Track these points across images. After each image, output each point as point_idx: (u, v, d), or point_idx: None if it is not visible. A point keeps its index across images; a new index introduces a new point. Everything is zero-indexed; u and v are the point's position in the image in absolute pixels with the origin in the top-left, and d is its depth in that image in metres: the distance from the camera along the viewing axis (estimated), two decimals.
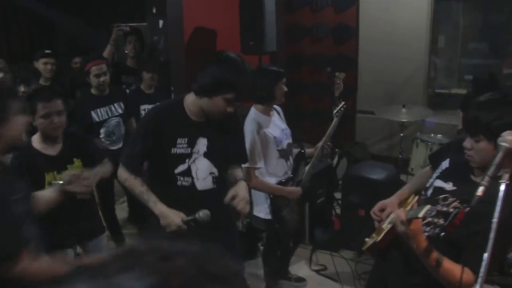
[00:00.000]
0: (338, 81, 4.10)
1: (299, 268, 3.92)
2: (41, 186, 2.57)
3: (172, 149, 2.41)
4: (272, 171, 3.19)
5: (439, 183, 2.09)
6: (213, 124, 2.44)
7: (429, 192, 2.10)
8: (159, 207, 2.38)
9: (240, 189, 2.45)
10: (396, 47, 5.61)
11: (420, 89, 5.66)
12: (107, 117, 3.97)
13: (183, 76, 4.91)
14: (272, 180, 3.17)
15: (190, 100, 2.43)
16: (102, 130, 3.97)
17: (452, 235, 1.73)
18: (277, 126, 3.24)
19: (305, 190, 3.36)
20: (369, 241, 2.33)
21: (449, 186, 2.04)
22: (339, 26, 6.02)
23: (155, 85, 4.41)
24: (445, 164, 2.13)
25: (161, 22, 4.82)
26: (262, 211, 3.25)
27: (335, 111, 3.46)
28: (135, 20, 5.37)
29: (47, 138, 2.70)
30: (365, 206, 3.54)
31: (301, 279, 3.77)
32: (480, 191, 1.58)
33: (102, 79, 3.88)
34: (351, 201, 4.01)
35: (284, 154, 3.23)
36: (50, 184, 2.63)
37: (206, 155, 2.47)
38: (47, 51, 4.62)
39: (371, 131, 5.91)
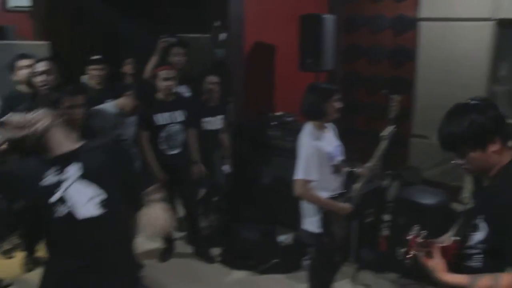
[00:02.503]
0: (394, 104, 4.09)
1: (343, 285, 3.92)
2: None
3: None
4: (325, 186, 3.21)
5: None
6: None
7: None
8: None
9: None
10: (454, 73, 5.54)
11: None
12: (167, 122, 4.13)
13: (241, 89, 5.04)
14: (324, 195, 3.21)
15: None
16: (162, 134, 4.13)
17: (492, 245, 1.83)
18: (331, 142, 3.31)
19: (354, 208, 3.38)
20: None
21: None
22: (397, 49, 6.01)
23: (218, 97, 4.58)
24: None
25: (223, 36, 4.98)
26: (312, 224, 3.28)
27: (383, 134, 3.47)
28: (200, 31, 5.58)
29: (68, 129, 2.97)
30: None
31: None
32: None
33: (169, 83, 4.05)
34: (400, 224, 3.99)
35: (336, 170, 3.28)
36: None
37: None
38: (96, 57, 4.64)
39: (425, 156, 5.83)
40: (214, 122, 4.63)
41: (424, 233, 2.00)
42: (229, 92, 4.99)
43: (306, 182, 3.11)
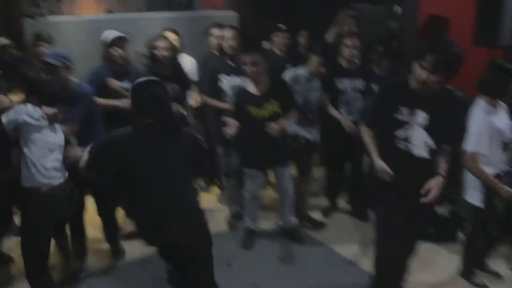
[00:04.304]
0: None
1: (497, 265, 3.91)
2: (247, 114, 3.86)
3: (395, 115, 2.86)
4: (492, 161, 3.31)
5: None
6: (434, 100, 2.79)
7: None
8: (377, 161, 2.92)
9: (434, 185, 2.81)
10: None
11: None
12: (347, 88, 4.39)
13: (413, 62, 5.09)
14: (489, 170, 3.30)
15: None
16: (341, 99, 4.41)
17: None
18: (502, 119, 3.36)
19: None
20: None
21: None
22: None
23: (387, 68, 4.74)
24: None
25: (397, 8, 5.07)
26: (474, 197, 3.41)
27: None
28: (375, 2, 5.71)
29: (254, 82, 3.85)
30: None
31: (497, 275, 3.80)
32: None
33: (352, 51, 4.32)
34: None
35: (505, 146, 3.34)
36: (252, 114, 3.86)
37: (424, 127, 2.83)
38: (281, 27, 5.08)
39: None
40: None
41: None
42: (399, 64, 5.11)
43: (476, 155, 3.24)
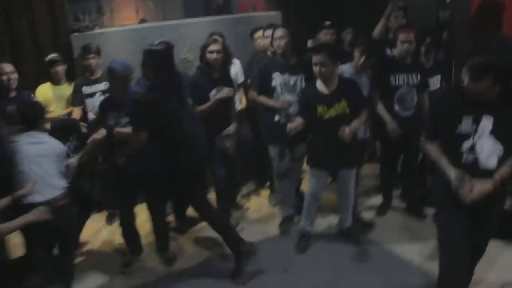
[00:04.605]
0: None
1: None
2: (315, 114, 3.83)
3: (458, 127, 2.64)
4: None
5: None
6: (497, 103, 2.55)
7: None
8: (453, 174, 2.64)
9: (478, 185, 2.56)
10: None
11: None
12: (402, 83, 4.27)
13: (465, 51, 4.89)
14: None
15: None
16: (396, 95, 4.30)
17: None
18: None
19: None
20: None
21: None
22: None
23: (435, 58, 4.56)
24: None
25: None
26: None
27: None
28: None
29: (323, 81, 3.83)
30: None
31: None
32: None
33: (406, 46, 4.20)
34: None
35: None
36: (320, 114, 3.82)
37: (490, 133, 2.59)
38: (327, 23, 5.05)
39: None
40: (432, 83, 4.63)
41: None
42: (451, 56, 4.92)
43: None
